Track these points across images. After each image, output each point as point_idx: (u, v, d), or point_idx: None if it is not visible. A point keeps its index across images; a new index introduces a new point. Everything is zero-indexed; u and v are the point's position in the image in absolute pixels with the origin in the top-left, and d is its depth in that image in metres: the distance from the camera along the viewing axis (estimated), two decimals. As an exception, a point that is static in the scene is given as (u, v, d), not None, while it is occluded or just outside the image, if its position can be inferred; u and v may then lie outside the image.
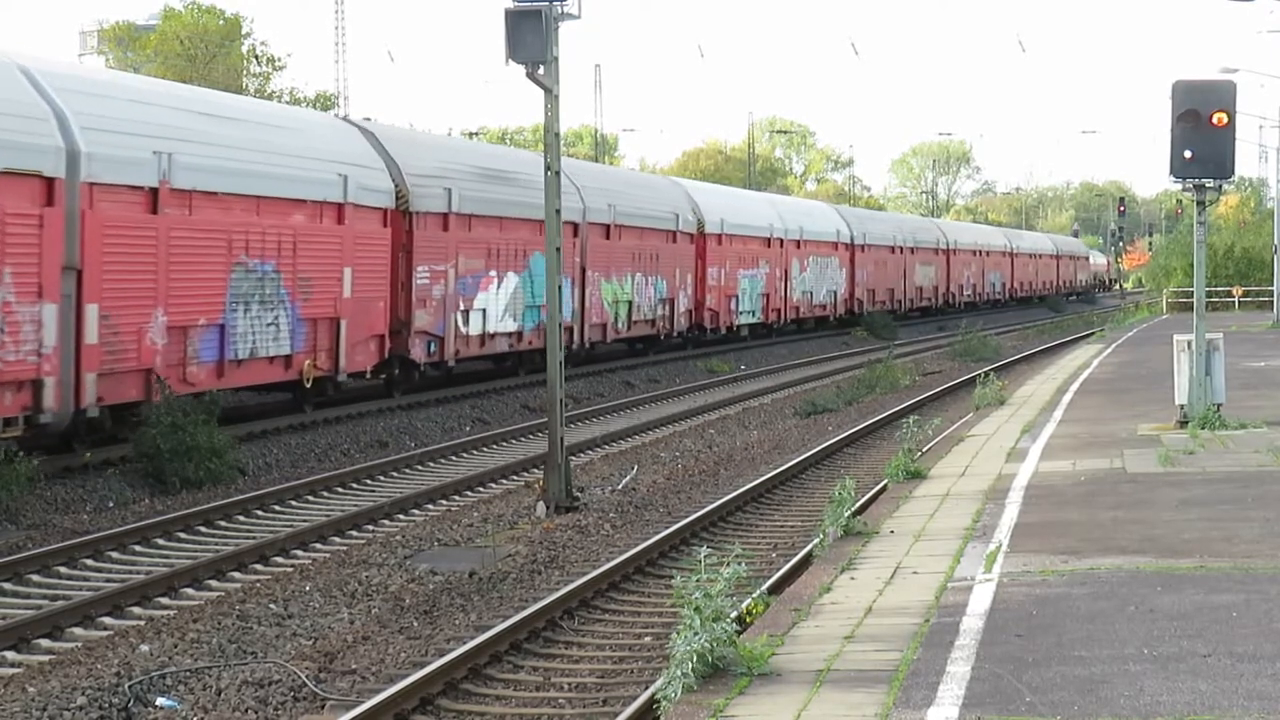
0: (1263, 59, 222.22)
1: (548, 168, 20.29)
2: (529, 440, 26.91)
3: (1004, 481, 16.77)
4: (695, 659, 8.91)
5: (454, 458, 25.01)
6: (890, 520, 14.87)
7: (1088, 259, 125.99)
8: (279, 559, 16.87)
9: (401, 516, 19.53)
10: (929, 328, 68.91)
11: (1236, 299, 69.15)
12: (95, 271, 20.10)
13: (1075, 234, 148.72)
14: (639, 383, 38.65)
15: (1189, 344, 21.10)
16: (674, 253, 43.83)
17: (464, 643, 12.60)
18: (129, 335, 20.92)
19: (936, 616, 10.26)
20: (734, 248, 48.92)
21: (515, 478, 22.77)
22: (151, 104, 22.51)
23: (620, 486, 21.69)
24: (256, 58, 68.01)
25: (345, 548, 17.46)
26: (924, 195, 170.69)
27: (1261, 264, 68.32)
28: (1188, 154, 20.20)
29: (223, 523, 18.87)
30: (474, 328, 31.46)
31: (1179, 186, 23.60)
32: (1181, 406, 21.33)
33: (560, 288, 21.12)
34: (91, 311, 20.05)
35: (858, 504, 16.25)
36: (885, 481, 18.52)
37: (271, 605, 14.38)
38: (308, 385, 25.76)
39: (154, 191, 21.43)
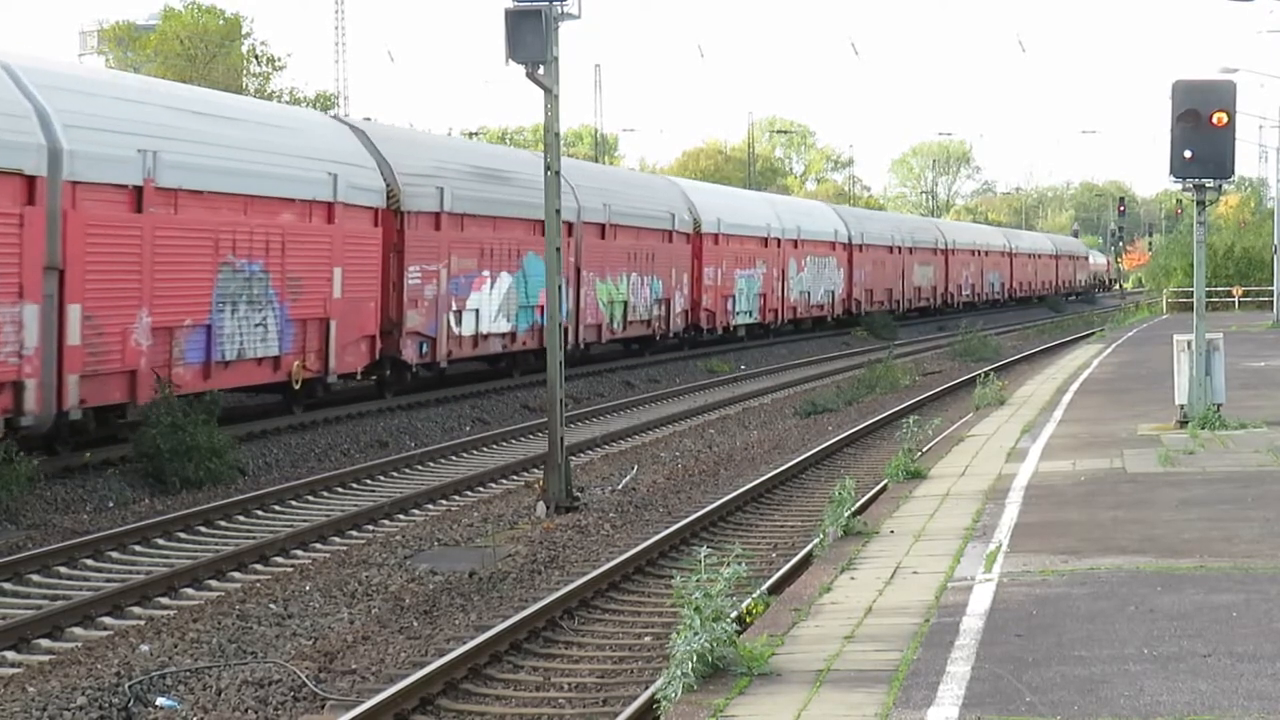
0: (1263, 59, 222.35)
1: (548, 168, 20.28)
2: (529, 440, 26.91)
3: (1004, 481, 16.77)
4: (695, 659, 8.91)
5: (454, 458, 25.01)
6: (890, 520, 14.87)
7: (1087, 259, 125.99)
8: (279, 559, 16.87)
9: (401, 516, 19.53)
10: (929, 328, 68.91)
11: (1236, 299, 69.16)
12: (78, 271, 19.78)
13: (1075, 234, 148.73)
14: (639, 383, 38.65)
15: (1189, 344, 21.10)
16: (670, 253, 43.64)
17: (464, 643, 12.60)
18: (113, 336, 20.58)
19: (936, 616, 10.26)
20: (731, 247, 48.78)
21: (515, 478, 22.77)
22: (136, 101, 22.20)
23: (620, 486, 21.69)
24: (256, 58, 68.00)
25: (345, 548, 17.46)
26: (924, 195, 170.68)
27: (1261, 264, 68.33)
28: (1188, 154, 20.20)
29: (223, 523, 18.87)
30: (467, 328, 31.22)
31: (1179, 186, 23.61)
32: (1181, 406, 21.33)
33: (559, 288, 21.06)
34: (74, 312, 19.74)
35: (858, 504, 16.26)
36: (885, 481, 18.52)
37: (271, 605, 14.38)
38: (297, 387, 25.46)
39: (138, 190, 21.11)
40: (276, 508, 19.99)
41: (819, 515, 17.00)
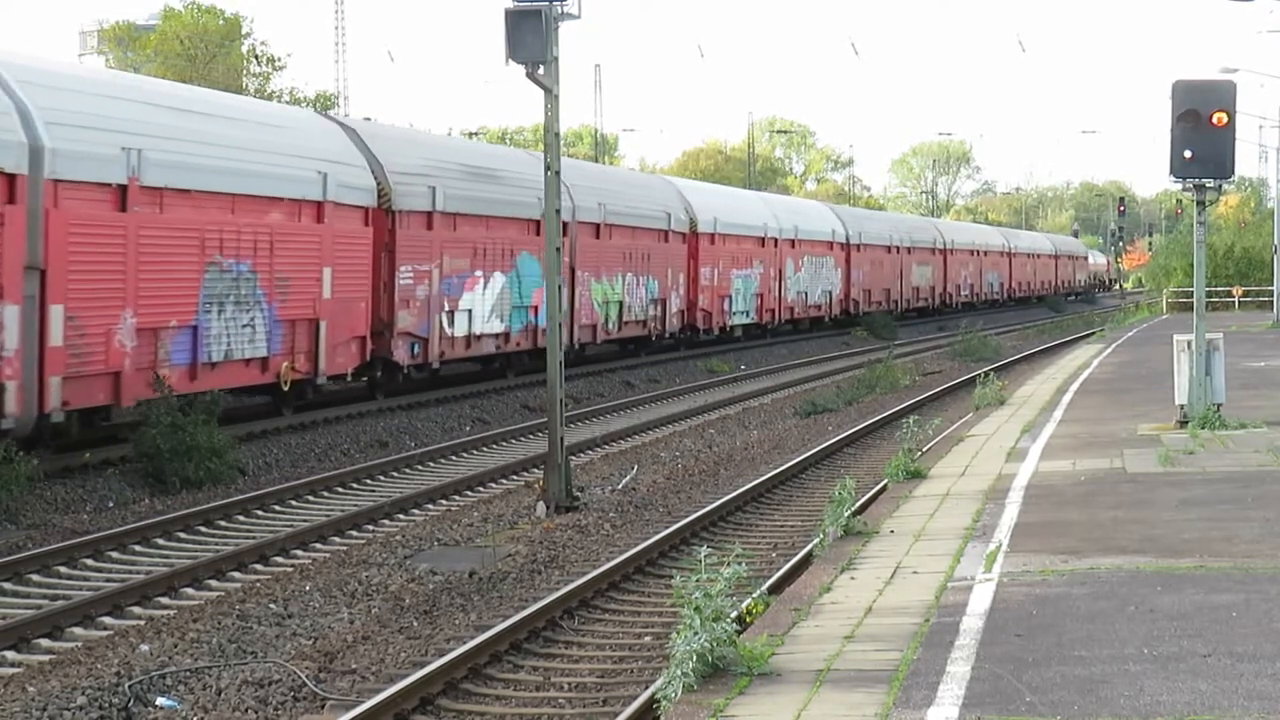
0: (1263, 59, 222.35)
1: (548, 168, 20.28)
2: (529, 440, 26.90)
3: (1004, 481, 16.77)
4: (695, 659, 8.91)
5: (454, 458, 25.00)
6: (890, 520, 14.87)
7: (1086, 259, 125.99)
8: (279, 559, 16.87)
9: (401, 516, 19.53)
10: (928, 328, 68.92)
11: (1236, 299, 69.16)
12: (60, 271, 19.41)
13: (1075, 234, 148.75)
14: (639, 383, 38.64)
15: (1189, 344, 21.11)
16: (666, 252, 43.43)
17: (464, 643, 12.60)
18: (96, 337, 20.17)
19: (936, 616, 10.26)
20: (727, 247, 48.61)
21: (515, 478, 22.77)
22: (121, 99, 21.88)
23: (620, 486, 21.69)
24: (256, 58, 67.99)
25: (345, 548, 17.46)
26: (924, 195, 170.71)
27: (1261, 264, 68.34)
28: (1188, 154, 20.20)
29: (223, 523, 18.87)
30: (459, 329, 30.95)
31: (1179, 186, 23.62)
32: (1181, 406, 21.33)
33: (558, 288, 21.05)
34: (56, 313, 19.37)
35: (858, 504, 16.25)
36: (885, 481, 18.52)
37: (271, 605, 14.38)
38: (285, 388, 25.13)
39: (123, 189, 20.74)
40: (276, 508, 19.99)
41: (819, 515, 17.00)
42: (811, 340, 56.15)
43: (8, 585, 15.26)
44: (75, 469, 20.80)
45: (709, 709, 8.44)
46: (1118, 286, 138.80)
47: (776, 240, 53.55)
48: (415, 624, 13.79)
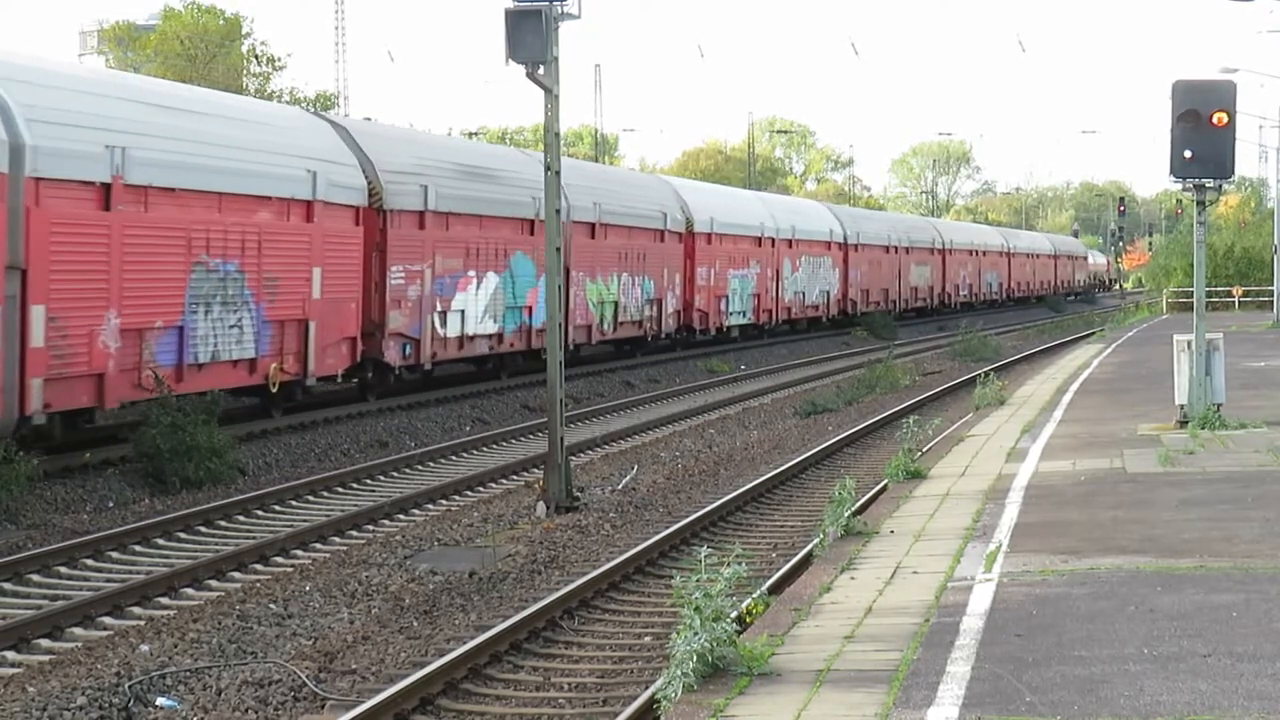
0: (1263, 59, 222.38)
1: (548, 168, 20.28)
2: (529, 440, 26.90)
3: (1004, 481, 16.78)
4: (695, 659, 8.91)
5: (454, 458, 25.00)
6: (890, 520, 14.87)
7: (1086, 259, 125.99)
8: (279, 559, 16.87)
9: (401, 516, 19.53)
10: (928, 328, 68.92)
11: (1236, 299, 69.17)
12: (42, 271, 19.03)
13: (1075, 234, 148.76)
14: (639, 383, 38.64)
15: (1189, 344, 21.11)
16: (662, 252, 43.20)
17: (464, 643, 12.60)
18: (79, 338, 19.80)
19: (936, 616, 10.27)
20: (724, 247, 48.42)
21: (515, 478, 22.77)
22: (105, 96, 21.59)
23: (620, 486, 21.69)
24: (256, 58, 67.97)
25: (345, 548, 17.46)
26: (924, 195, 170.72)
27: (1261, 264, 68.34)
28: (1188, 154, 20.21)
29: (223, 523, 18.87)
30: (452, 329, 30.64)
31: (1179, 186, 23.62)
32: (1181, 406, 21.34)
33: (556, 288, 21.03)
34: (38, 313, 18.98)
35: (858, 504, 16.26)
36: (885, 481, 18.52)
37: (271, 605, 14.39)
38: (274, 390, 24.85)
39: (106, 187, 20.32)
40: (276, 508, 19.99)
41: (819, 515, 17.00)
42: (811, 340, 56.12)
43: (8, 585, 15.26)
44: (75, 469, 20.80)
45: (709, 709, 8.44)
46: (1117, 286, 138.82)
47: (774, 240, 53.41)
48: (415, 624, 13.79)
